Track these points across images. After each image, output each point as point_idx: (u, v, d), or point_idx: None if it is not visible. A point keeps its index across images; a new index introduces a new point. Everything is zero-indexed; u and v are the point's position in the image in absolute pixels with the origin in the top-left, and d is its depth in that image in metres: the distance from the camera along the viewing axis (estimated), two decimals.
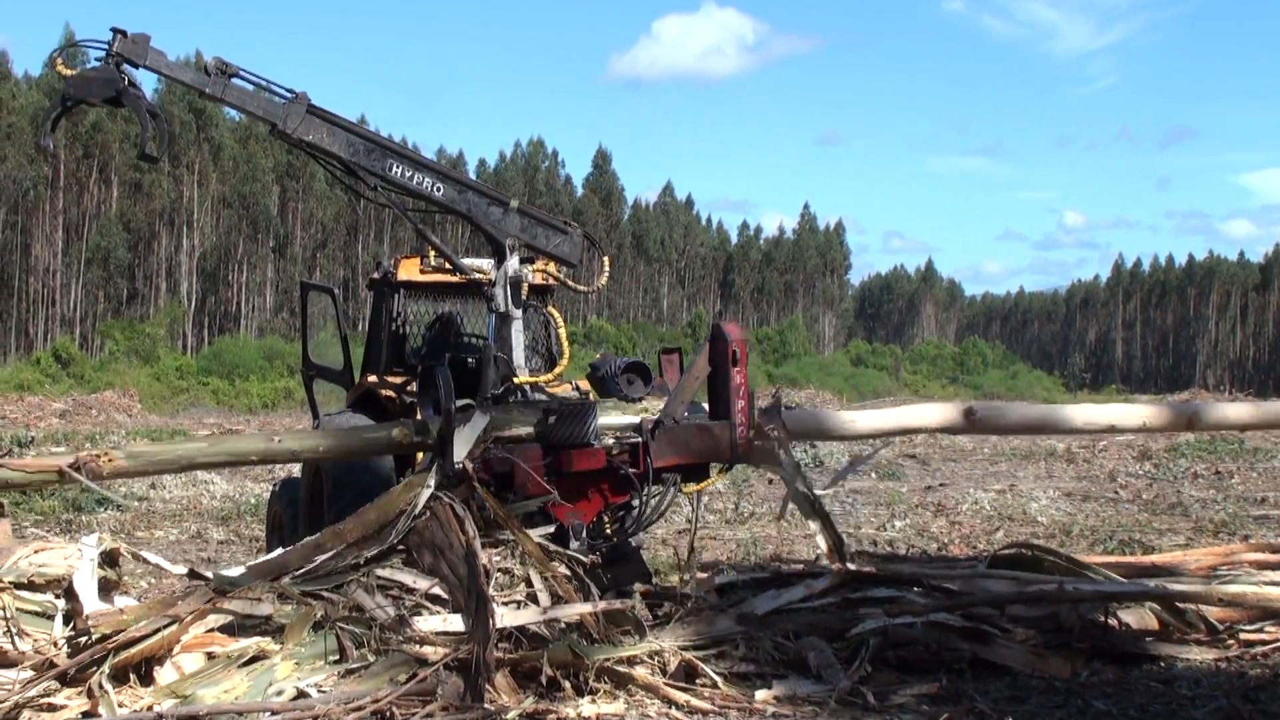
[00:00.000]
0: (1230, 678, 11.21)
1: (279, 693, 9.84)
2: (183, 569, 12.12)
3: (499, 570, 11.11)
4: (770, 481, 27.99)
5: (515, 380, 14.02)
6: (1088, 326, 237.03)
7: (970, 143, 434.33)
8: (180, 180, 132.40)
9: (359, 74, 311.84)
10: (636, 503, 13.20)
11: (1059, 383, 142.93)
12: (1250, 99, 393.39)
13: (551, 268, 15.21)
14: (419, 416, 13.83)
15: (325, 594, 10.75)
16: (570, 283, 15.54)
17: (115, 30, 13.24)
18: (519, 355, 14.23)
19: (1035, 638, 11.78)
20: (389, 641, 10.30)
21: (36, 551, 11.69)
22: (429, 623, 10.55)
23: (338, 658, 10.26)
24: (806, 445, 33.32)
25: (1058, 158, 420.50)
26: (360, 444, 13.26)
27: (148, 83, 13.71)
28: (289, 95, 13.67)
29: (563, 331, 15.68)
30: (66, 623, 10.75)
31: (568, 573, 11.49)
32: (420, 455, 13.34)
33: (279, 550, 12.10)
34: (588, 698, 10.02)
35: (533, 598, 11.00)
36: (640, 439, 13.06)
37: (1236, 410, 16.94)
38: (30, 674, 10.00)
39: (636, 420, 13.36)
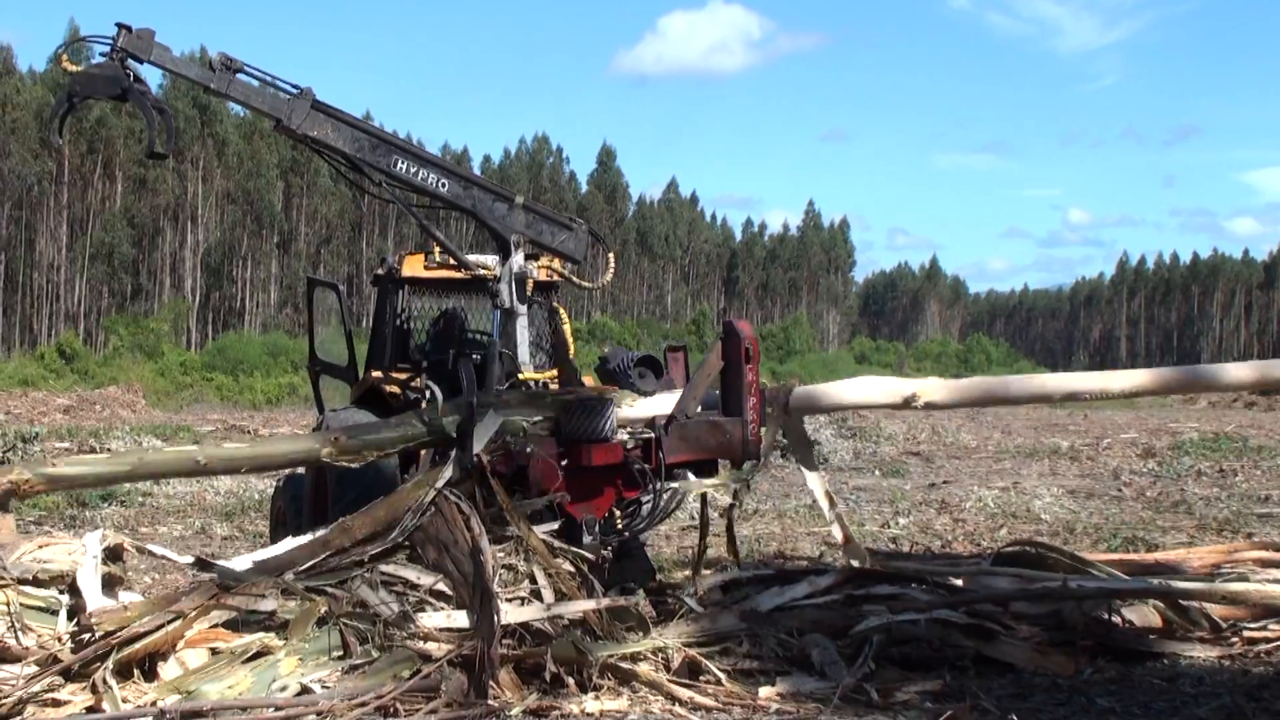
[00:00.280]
0: (1233, 675, 11.21)
1: (283, 688, 9.85)
2: (189, 559, 12.14)
3: (503, 566, 11.11)
4: (783, 455, 27.98)
5: (520, 376, 14.02)
6: (1092, 324, 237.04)
7: (975, 140, 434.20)
8: (185, 176, 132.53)
9: (364, 70, 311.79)
10: (645, 498, 13.21)
11: None
12: (1256, 97, 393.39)
13: (556, 264, 15.23)
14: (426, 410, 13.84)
15: (329, 590, 10.75)
16: (575, 279, 15.54)
17: (120, 26, 13.25)
18: (524, 351, 14.24)
19: (1039, 635, 11.77)
20: (393, 637, 10.30)
21: (40, 547, 11.70)
22: (433, 619, 10.55)
23: (342, 654, 10.26)
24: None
25: (1063, 155, 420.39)
26: (282, 456, 13.28)
27: (152, 78, 13.70)
28: (294, 91, 13.67)
29: (567, 327, 15.69)
30: (70, 618, 10.76)
31: (572, 569, 11.49)
32: (423, 453, 13.36)
33: (284, 545, 12.09)
34: (591, 694, 10.02)
35: (537, 594, 11.01)
36: (652, 434, 13.08)
37: (1238, 371, 16.51)
38: (34, 669, 10.00)
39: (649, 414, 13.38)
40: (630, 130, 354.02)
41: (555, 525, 12.09)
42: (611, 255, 15.62)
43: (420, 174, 14.05)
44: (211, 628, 10.46)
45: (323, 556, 11.15)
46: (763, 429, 13.59)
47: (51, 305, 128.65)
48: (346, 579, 10.91)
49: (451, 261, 15.38)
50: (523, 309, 14.29)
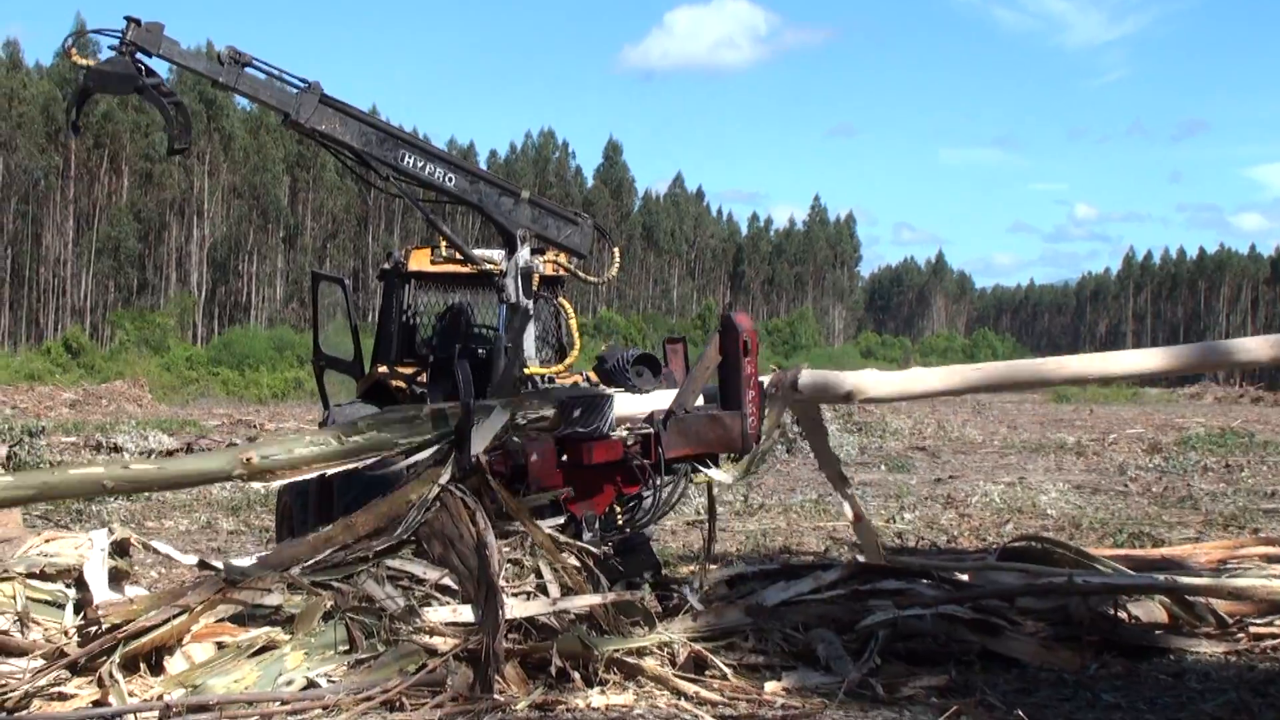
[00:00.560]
0: (1240, 671, 11.20)
1: (289, 683, 9.85)
2: (193, 559, 12.15)
3: (509, 561, 11.11)
4: (788, 451, 27.97)
5: (526, 371, 14.03)
6: (1098, 319, 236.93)
7: (982, 134, 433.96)
8: (191, 170, 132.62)
9: (371, 64, 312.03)
10: (647, 493, 13.19)
11: None
12: (1263, 92, 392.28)
13: (562, 259, 15.23)
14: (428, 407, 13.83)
15: (335, 584, 10.74)
16: (581, 274, 15.55)
17: (128, 19, 13.27)
18: (530, 346, 14.25)
19: (1044, 630, 11.77)
20: (399, 632, 10.30)
21: (47, 541, 11.73)
22: (439, 613, 10.55)
23: (347, 648, 10.26)
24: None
25: (1069, 150, 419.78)
26: (191, 476, 13.15)
27: (160, 72, 13.71)
28: (301, 85, 13.69)
29: (573, 322, 15.70)
30: (77, 612, 10.79)
31: (577, 564, 11.49)
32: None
33: (289, 541, 12.10)
34: (597, 688, 10.01)
35: (542, 589, 11.00)
36: (651, 430, 13.06)
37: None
38: (41, 663, 10.02)
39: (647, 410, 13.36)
40: (636, 125, 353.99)
41: (560, 520, 12.08)
42: (617, 250, 15.62)
43: (427, 168, 14.06)
44: (217, 622, 10.45)
45: (327, 552, 11.14)
46: (765, 415, 13.58)
47: (58, 300, 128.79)
48: (352, 574, 10.91)
49: (458, 256, 15.39)
50: (529, 303, 14.29)
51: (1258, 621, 12.25)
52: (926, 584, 12.50)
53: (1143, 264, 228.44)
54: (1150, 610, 12.34)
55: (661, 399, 13.44)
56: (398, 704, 9.48)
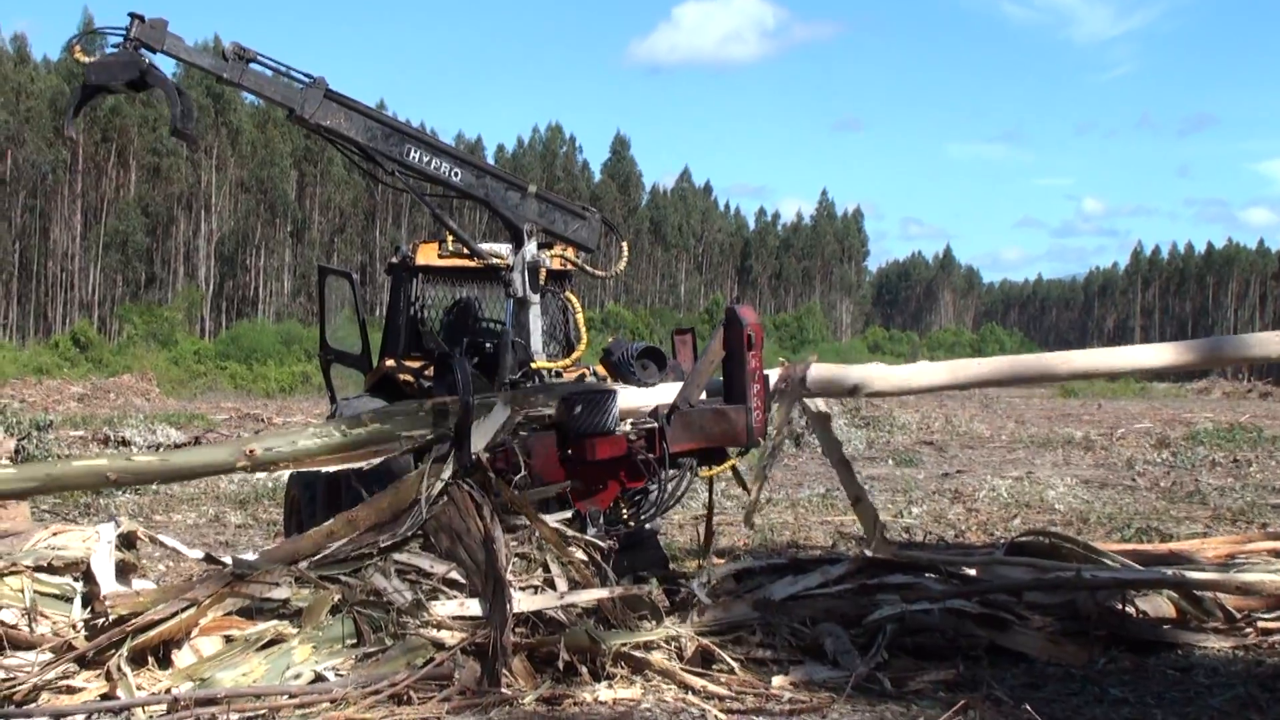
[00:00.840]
0: (1248, 665, 11.19)
1: (296, 676, 9.86)
2: (199, 554, 12.14)
3: (516, 555, 11.11)
4: (796, 444, 27.94)
5: (532, 365, 14.02)
6: (1106, 314, 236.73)
7: (989, 129, 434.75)
8: (198, 165, 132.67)
9: (377, 59, 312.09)
10: (653, 488, 13.18)
11: None
12: (1271, 87, 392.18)
13: (569, 253, 15.22)
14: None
15: (342, 578, 10.76)
16: (588, 268, 15.54)
17: (133, 15, 13.27)
18: (537, 340, 14.24)
19: (1052, 625, 11.76)
20: (406, 626, 10.31)
21: (55, 534, 11.74)
22: (446, 607, 10.55)
23: (355, 642, 10.28)
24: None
25: (1077, 144, 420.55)
26: (194, 468, 13.19)
27: (165, 68, 13.72)
28: (307, 80, 13.70)
29: (580, 317, 15.69)
30: (85, 606, 10.79)
31: (584, 558, 11.49)
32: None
33: (296, 535, 12.10)
34: (604, 683, 10.01)
35: (550, 583, 11.00)
36: (656, 424, 13.06)
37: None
38: (49, 656, 10.02)
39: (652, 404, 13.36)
40: (644, 119, 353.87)
41: (568, 514, 12.07)
42: (624, 244, 15.61)
43: (433, 163, 14.06)
44: (225, 615, 10.47)
45: (334, 546, 11.15)
46: (775, 410, 13.58)
47: (66, 294, 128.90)
48: (360, 567, 10.92)
49: (465, 250, 15.38)
50: (536, 298, 14.29)
51: (1266, 616, 12.24)
52: (934, 578, 12.50)
53: (1150, 259, 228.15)
54: (1158, 605, 12.33)
55: (668, 392, 13.45)
56: (405, 697, 9.49)
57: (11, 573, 10.83)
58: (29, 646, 10.30)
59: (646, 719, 9.37)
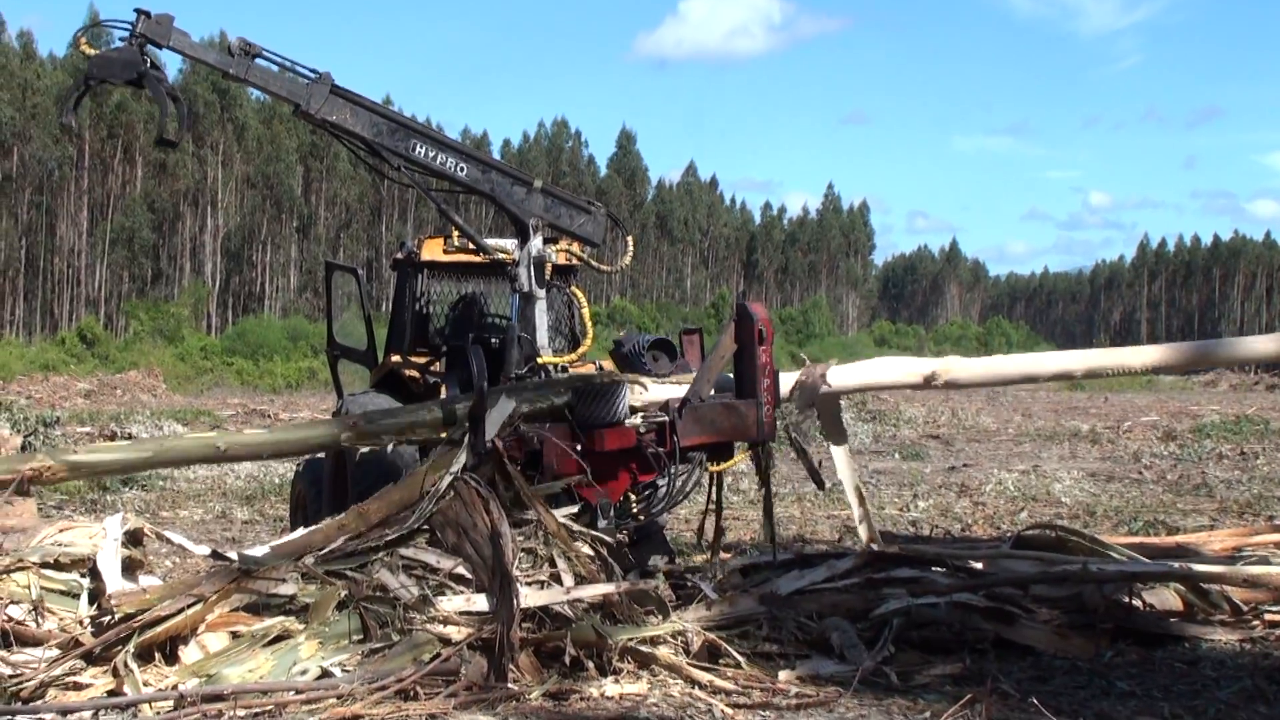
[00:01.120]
0: (1255, 658, 11.19)
1: (303, 672, 9.87)
2: (205, 550, 12.17)
3: (523, 550, 11.11)
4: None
5: (539, 360, 14.03)
6: (1112, 307, 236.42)
7: (996, 122, 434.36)
8: (204, 160, 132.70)
9: (383, 54, 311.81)
10: (662, 482, 13.19)
11: None
12: (1278, 78, 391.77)
13: (575, 248, 15.23)
14: (443, 397, 13.86)
15: (349, 574, 10.76)
16: (594, 263, 15.54)
17: (138, 11, 13.28)
18: (542, 335, 14.24)
19: (1059, 618, 11.76)
20: (413, 621, 10.31)
21: (61, 530, 11.74)
22: (453, 602, 10.55)
23: (361, 637, 10.28)
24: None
25: (1084, 137, 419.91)
26: (301, 441, 13.34)
27: (171, 63, 13.76)
28: (312, 75, 13.70)
29: (586, 311, 15.69)
30: (91, 602, 10.79)
31: (591, 553, 11.49)
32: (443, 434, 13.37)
33: (303, 530, 12.11)
34: (611, 677, 10.02)
35: (556, 578, 10.99)
36: (666, 418, 13.07)
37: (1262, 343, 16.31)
38: (56, 653, 10.03)
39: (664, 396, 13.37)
40: (650, 114, 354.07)
41: (574, 509, 12.08)
42: (630, 239, 15.62)
43: (439, 158, 14.06)
44: (232, 611, 10.48)
45: (340, 541, 11.15)
46: (789, 409, 13.61)
47: (72, 290, 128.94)
48: (366, 563, 10.92)
49: (470, 245, 15.40)
50: (541, 293, 14.29)
51: (1272, 609, 12.24)
52: (941, 572, 12.50)
53: (1157, 251, 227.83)
54: (1165, 598, 12.33)
55: (686, 383, 13.50)
56: (412, 693, 9.49)
57: (18, 569, 10.83)
58: (36, 643, 10.31)
59: (653, 714, 9.36)
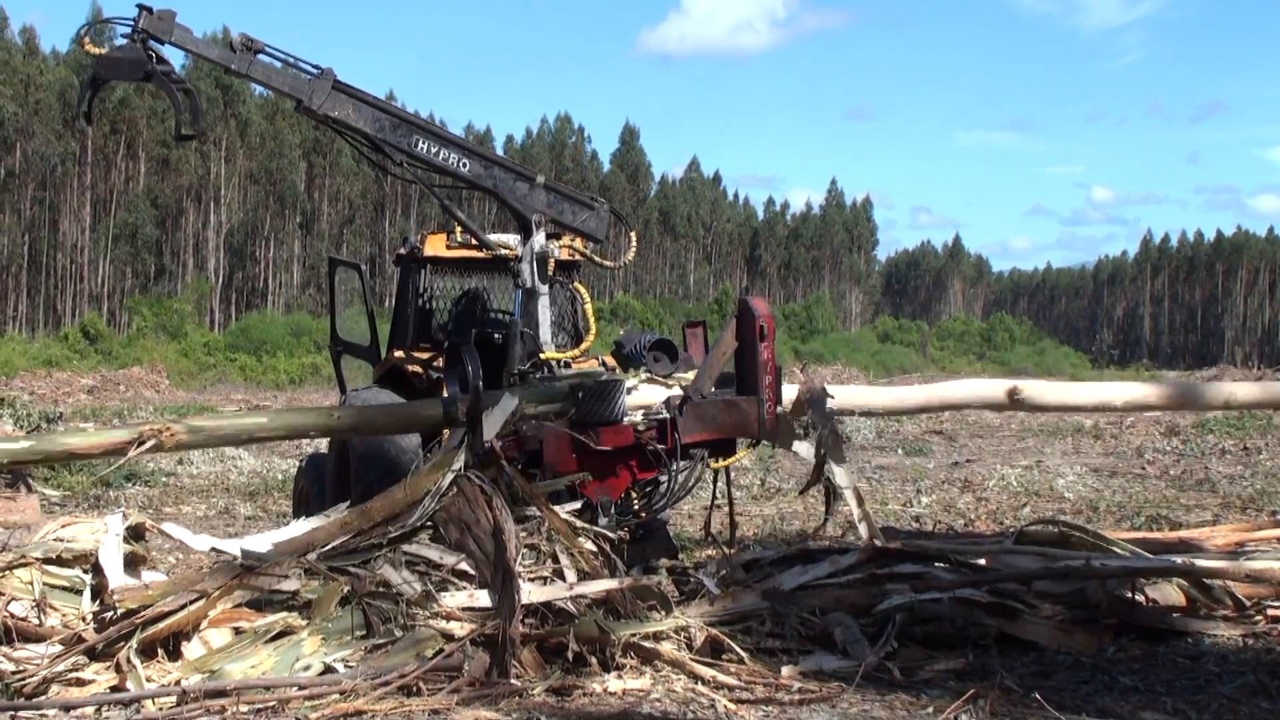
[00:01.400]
0: (1258, 653, 11.19)
1: (306, 668, 9.87)
2: (208, 545, 12.16)
3: (526, 546, 11.11)
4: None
5: (542, 356, 14.03)
6: (1115, 303, 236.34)
7: (999, 117, 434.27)
8: (207, 156, 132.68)
9: (386, 50, 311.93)
10: (664, 479, 13.19)
11: (1086, 359, 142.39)
12: None
13: (578, 243, 15.22)
14: (445, 393, 13.87)
15: (352, 569, 10.76)
16: (597, 258, 15.53)
17: (141, 7, 13.28)
18: (545, 331, 14.23)
19: (1062, 613, 11.76)
20: (415, 617, 10.31)
21: (64, 526, 11.76)
22: (455, 598, 10.56)
23: (364, 633, 10.27)
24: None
25: (1087, 132, 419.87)
26: (409, 419, 13.40)
27: (174, 60, 13.73)
28: (315, 71, 13.70)
29: (589, 307, 15.68)
30: (94, 598, 10.81)
31: (594, 549, 11.50)
32: (446, 431, 13.38)
33: (305, 524, 12.12)
34: (614, 673, 10.01)
35: (559, 574, 11.00)
36: (667, 415, 13.07)
37: None
38: (59, 649, 10.05)
39: (665, 395, 13.39)
40: (654, 109, 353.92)
41: (577, 505, 12.08)
42: (633, 234, 15.61)
43: (441, 154, 14.06)
44: (235, 607, 10.48)
45: (344, 538, 11.16)
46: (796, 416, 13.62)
47: (75, 286, 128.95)
48: (369, 559, 10.93)
49: (473, 241, 15.40)
50: (544, 288, 14.28)
51: (1275, 604, 12.24)
52: (944, 568, 12.49)
53: (1160, 247, 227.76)
54: (1167, 593, 12.32)
55: (670, 383, 13.54)
56: (415, 689, 9.48)
57: (21, 565, 10.85)
58: (38, 639, 10.34)
59: (656, 709, 9.36)
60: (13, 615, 10.40)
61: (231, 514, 22.18)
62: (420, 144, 13.96)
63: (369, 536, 11.14)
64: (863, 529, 13.41)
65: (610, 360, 15.03)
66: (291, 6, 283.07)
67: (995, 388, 15.38)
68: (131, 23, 13.30)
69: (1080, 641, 11.22)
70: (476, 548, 10.90)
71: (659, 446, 12.96)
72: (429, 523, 11.29)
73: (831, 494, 13.84)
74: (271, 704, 9.18)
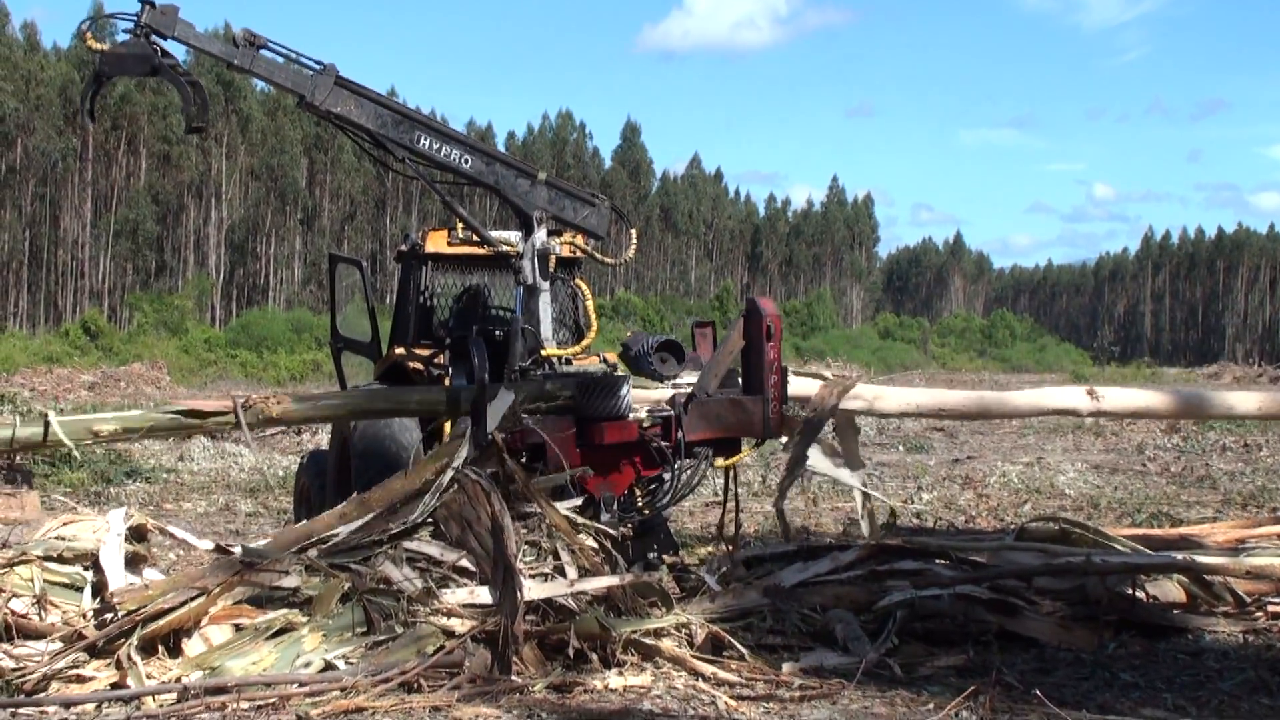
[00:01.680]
0: (1258, 650, 11.20)
1: (307, 664, 9.87)
2: (209, 544, 12.17)
3: (526, 543, 11.12)
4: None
5: (543, 352, 14.03)
6: (1116, 300, 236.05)
7: (1000, 115, 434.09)
8: (208, 152, 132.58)
9: (389, 46, 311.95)
10: (668, 476, 13.21)
11: (1087, 356, 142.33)
12: None
13: (579, 240, 15.22)
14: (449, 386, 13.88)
15: (353, 566, 10.75)
16: (598, 255, 15.53)
17: (143, 2, 13.28)
18: (547, 328, 14.24)
19: (1062, 610, 11.77)
20: (416, 613, 10.32)
21: (64, 524, 11.75)
22: (456, 595, 10.56)
23: (365, 630, 10.28)
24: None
25: (1088, 130, 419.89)
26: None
27: (176, 55, 13.72)
28: (317, 67, 13.70)
29: (590, 304, 15.68)
30: (94, 595, 10.81)
31: (595, 545, 11.50)
32: (448, 426, 13.38)
33: (305, 522, 12.12)
34: (615, 670, 10.02)
35: (560, 570, 11.01)
36: (672, 412, 13.09)
37: None
38: (59, 646, 10.05)
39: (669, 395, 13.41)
40: (656, 106, 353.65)
41: (578, 501, 12.09)
42: (634, 231, 15.61)
43: (443, 150, 14.07)
44: (235, 604, 10.48)
45: (344, 533, 11.15)
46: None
47: (76, 282, 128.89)
48: (370, 556, 10.92)
49: (475, 238, 15.39)
50: (545, 285, 14.28)
51: (1276, 600, 12.26)
52: (944, 564, 12.51)
53: (1161, 244, 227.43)
54: (1168, 590, 12.35)
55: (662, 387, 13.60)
56: (415, 686, 9.49)
57: (21, 562, 10.85)
58: (39, 636, 10.33)
59: (657, 706, 9.37)
60: (13, 612, 10.40)
61: (232, 510, 22.18)
62: (422, 140, 13.97)
63: (369, 532, 11.13)
64: (864, 525, 13.43)
65: (611, 357, 15.04)
66: (293, 2, 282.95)
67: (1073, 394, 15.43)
68: (134, 18, 13.31)
69: (1081, 638, 11.24)
70: (477, 544, 10.89)
71: (663, 444, 12.98)
72: (429, 519, 11.29)
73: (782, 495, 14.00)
74: (272, 701, 9.18)
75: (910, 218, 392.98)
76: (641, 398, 13.42)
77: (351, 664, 9.86)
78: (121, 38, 13.59)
